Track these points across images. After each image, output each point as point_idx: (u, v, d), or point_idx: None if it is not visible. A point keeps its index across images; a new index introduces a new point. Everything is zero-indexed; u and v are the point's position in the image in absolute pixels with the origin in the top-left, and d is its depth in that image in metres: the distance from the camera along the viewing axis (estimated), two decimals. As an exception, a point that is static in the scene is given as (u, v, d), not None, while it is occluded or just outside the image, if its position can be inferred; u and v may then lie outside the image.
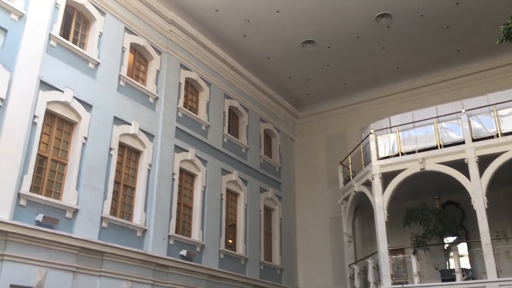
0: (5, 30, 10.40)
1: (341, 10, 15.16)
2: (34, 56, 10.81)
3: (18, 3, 10.76)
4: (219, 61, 17.16)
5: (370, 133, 15.72)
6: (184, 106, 15.35)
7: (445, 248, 15.98)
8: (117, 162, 12.60)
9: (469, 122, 14.24)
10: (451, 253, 14.58)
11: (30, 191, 10.16)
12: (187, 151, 14.95)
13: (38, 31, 11.04)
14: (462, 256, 14.61)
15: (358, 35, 16.47)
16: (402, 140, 15.20)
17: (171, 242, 13.53)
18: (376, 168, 15.02)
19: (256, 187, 18.07)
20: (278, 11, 15.23)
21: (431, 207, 15.46)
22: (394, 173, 14.76)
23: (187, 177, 15.11)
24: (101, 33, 12.87)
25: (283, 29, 16.08)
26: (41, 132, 10.78)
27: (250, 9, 15.16)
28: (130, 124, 13.08)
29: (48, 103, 11.02)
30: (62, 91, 11.37)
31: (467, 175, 13.60)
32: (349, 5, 14.93)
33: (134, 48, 14.16)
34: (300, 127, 21.93)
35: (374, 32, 16.28)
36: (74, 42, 12.33)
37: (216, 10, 15.29)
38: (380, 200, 14.65)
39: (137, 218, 12.74)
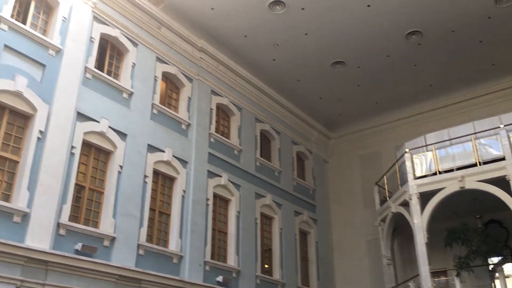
0: (44, 65, 10.81)
1: (370, 30, 15.11)
2: (71, 88, 11.17)
3: (55, 39, 11.18)
4: (249, 85, 17.30)
5: (405, 152, 15.41)
6: (216, 132, 15.47)
7: (490, 269, 15.29)
8: (152, 189, 12.75)
9: (509, 137, 13.76)
10: (497, 274, 13.97)
11: (69, 220, 10.36)
12: (220, 176, 15.00)
13: (74, 65, 11.43)
14: (508, 277, 13.97)
15: (388, 54, 16.33)
16: (439, 158, 14.82)
17: (207, 268, 13.47)
18: (413, 187, 14.65)
19: (290, 211, 17.90)
20: (306, 34, 15.31)
21: (473, 227, 14.92)
22: (432, 193, 14.35)
23: (221, 202, 15.13)
24: (134, 64, 13.21)
25: (311, 51, 16.12)
26: (79, 162, 11.05)
27: (278, 33, 15.29)
28: (163, 151, 13.25)
29: (85, 133, 11.31)
30: (98, 122, 11.67)
31: (509, 192, 13.09)
32: (378, 24, 14.87)
33: (166, 76, 14.45)
34: (333, 148, 21.72)
35: (404, 50, 16.11)
36: (109, 73, 12.69)
37: (245, 36, 15.49)
38: (419, 221, 14.23)
39: (173, 244, 12.77)
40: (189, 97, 14.82)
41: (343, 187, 20.63)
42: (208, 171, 14.58)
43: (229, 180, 15.28)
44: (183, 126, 14.28)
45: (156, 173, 13.05)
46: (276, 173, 17.79)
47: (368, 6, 14.10)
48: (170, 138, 13.62)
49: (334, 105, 19.48)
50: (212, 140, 15.11)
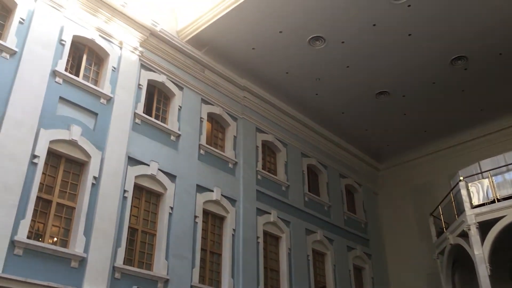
0: (96, 114, 11.31)
1: (413, 58, 14.92)
2: (122, 134, 11.58)
3: (106, 88, 11.72)
4: (293, 121, 17.35)
5: (460, 180, 14.81)
6: (263, 169, 15.51)
7: None
8: (202, 229, 12.82)
9: None
10: None
11: (124, 263, 10.53)
12: (269, 213, 14.91)
13: (124, 111, 11.89)
14: None
15: (433, 81, 16.02)
16: (496, 185, 14.13)
17: (261, 308, 13.25)
18: (471, 217, 13.97)
19: (343, 246, 17.45)
20: (347, 66, 15.31)
21: (541, 257, 13.98)
22: (493, 221, 13.62)
23: (271, 239, 14.97)
24: (180, 107, 13.59)
25: (354, 83, 16.06)
26: (131, 205, 11.31)
27: (320, 68, 15.37)
28: (212, 191, 13.37)
29: (136, 177, 11.62)
30: (148, 165, 11.98)
31: None
32: (421, 52, 14.68)
33: (211, 117, 14.75)
34: (383, 179, 21.22)
35: (450, 76, 15.76)
36: (157, 117, 13.11)
37: (287, 73, 15.67)
38: (480, 252, 13.49)
39: (225, 285, 12.68)
40: (234, 136, 15.01)
41: (396, 220, 19.98)
42: (257, 208, 14.54)
43: (279, 217, 15.16)
44: (230, 165, 14.41)
45: (206, 213, 13.14)
46: (325, 207, 17.50)
47: (410, 35, 14.00)
48: (218, 177, 13.75)
49: (381, 136, 19.16)
50: (259, 177, 15.14)
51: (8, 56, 9.99)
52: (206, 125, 14.28)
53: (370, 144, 19.75)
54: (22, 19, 10.50)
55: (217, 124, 15.02)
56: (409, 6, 12.91)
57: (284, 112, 16.99)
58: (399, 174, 20.62)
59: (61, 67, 10.88)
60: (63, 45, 11.16)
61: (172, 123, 13.27)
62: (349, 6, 12.92)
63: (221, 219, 13.61)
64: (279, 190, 15.76)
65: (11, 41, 10.14)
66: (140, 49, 12.88)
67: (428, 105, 17.22)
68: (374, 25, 13.56)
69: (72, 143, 10.52)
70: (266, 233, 14.68)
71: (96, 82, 11.88)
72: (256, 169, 15.12)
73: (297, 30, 13.81)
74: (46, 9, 10.98)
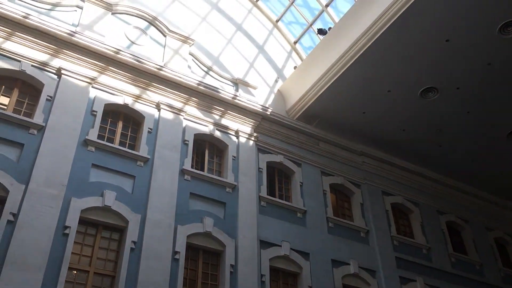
0: (224, 203, 11.79)
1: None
2: (251, 219, 11.85)
3: (230, 177, 12.27)
4: (420, 177, 16.40)
5: None
6: (397, 233, 14.63)
7: None
8: (345, 307, 12.21)
9: None
10: None
11: None
12: (414, 280, 13.79)
13: (250, 196, 12.23)
14: None
15: None
16: None
17: None
18: None
19: (506, 308, 15.39)
20: (468, 112, 14.37)
21: None
22: None
23: (422, 309, 13.72)
24: (302, 183, 13.66)
25: (481, 127, 14.91)
26: (270, 289, 11.25)
27: (438, 118, 14.61)
28: (348, 264, 12.84)
29: (271, 259, 11.63)
30: (280, 246, 11.97)
31: None
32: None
33: (334, 187, 14.53)
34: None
35: None
36: (280, 197, 13.27)
37: (403, 130, 15.15)
38: None
39: None
40: (361, 203, 14.54)
41: None
42: (400, 277, 13.55)
43: (426, 283, 13.93)
44: (362, 234, 13.85)
45: (345, 287, 12.59)
46: (476, 266, 15.77)
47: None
48: (352, 249, 13.24)
49: (522, 177, 17.25)
50: (395, 242, 14.27)
51: (142, 163, 11.01)
52: (330, 197, 14.07)
53: (510, 188, 17.80)
54: (150, 128, 11.64)
55: (341, 194, 14.74)
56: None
57: (408, 171, 16.20)
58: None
59: (187, 165, 11.68)
60: (187, 144, 12.05)
61: (296, 200, 13.31)
62: (459, 51, 12.36)
63: (363, 293, 12.89)
64: (420, 254, 14.64)
65: (143, 150, 11.22)
66: (255, 134, 13.44)
67: None
68: (489, 64, 12.75)
69: (207, 235, 10.95)
70: (415, 303, 13.51)
71: (220, 173, 12.50)
72: (390, 235, 14.31)
73: (406, 86, 13.50)
74: (169, 115, 12.09)
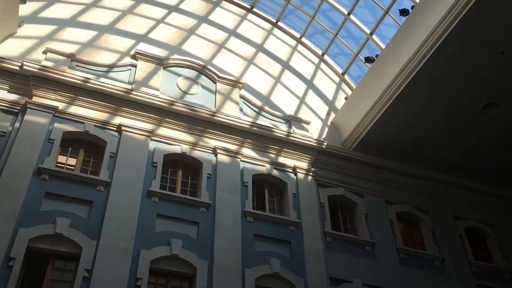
0: (289, 242, 11.65)
1: None
2: (318, 256, 11.59)
3: (292, 215, 12.14)
4: (493, 198, 15.44)
5: None
6: (475, 259, 13.78)
7: None
8: None
9: None
10: None
11: None
12: (503, 309, 12.87)
13: (314, 233, 12.02)
14: None
15: None
16: None
17: None
18: None
19: None
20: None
21: None
22: None
23: None
24: (366, 214, 13.30)
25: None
26: (346, 329, 10.83)
27: (503, 135, 13.88)
28: (426, 296, 12.20)
29: (343, 297, 11.29)
30: (351, 281, 11.62)
31: None
32: None
33: (401, 216, 13.99)
34: None
35: None
36: (346, 231, 12.96)
37: (466, 149, 14.48)
38: None
39: None
40: (432, 230, 13.90)
41: None
42: (485, 306, 12.69)
43: (514, 311, 12.96)
44: (437, 263, 13.17)
45: (426, 322, 11.89)
46: None
47: None
48: (426, 280, 12.58)
49: None
50: (474, 269, 13.43)
51: (205, 209, 11.16)
52: (397, 226, 13.55)
53: None
54: (209, 174, 11.84)
55: (408, 222, 14.16)
56: None
57: (480, 192, 15.30)
58: None
59: (249, 206, 11.71)
60: (246, 186, 12.12)
61: (363, 233, 12.92)
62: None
63: (446, 326, 12.12)
64: (502, 279, 13.67)
65: (204, 196, 11.40)
66: (313, 169, 13.32)
67: None
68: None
69: (275, 276, 10.81)
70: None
71: (281, 212, 12.41)
72: (468, 261, 13.50)
73: (464, 103, 12.98)
74: (226, 159, 12.28)
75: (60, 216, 9.63)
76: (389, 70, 13.08)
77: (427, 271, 12.81)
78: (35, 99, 11.16)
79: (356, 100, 14.45)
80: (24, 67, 11.25)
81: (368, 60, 15.56)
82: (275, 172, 12.84)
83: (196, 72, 13.91)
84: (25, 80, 11.33)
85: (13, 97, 11.14)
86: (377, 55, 14.50)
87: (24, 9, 12.98)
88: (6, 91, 11.18)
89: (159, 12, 15.59)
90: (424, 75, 12.28)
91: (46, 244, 9.31)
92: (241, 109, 13.69)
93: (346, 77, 17.17)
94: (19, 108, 10.99)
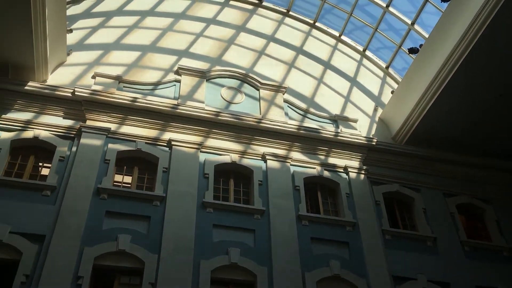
0: (347, 243, 11.50)
1: None
2: (378, 256, 11.37)
3: (347, 215, 11.98)
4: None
5: None
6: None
7: None
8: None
9: None
10: None
11: None
12: None
13: (372, 232, 11.81)
14: None
15: None
16: None
17: None
18: None
19: None
20: None
21: None
22: None
23: None
24: (424, 209, 12.95)
25: None
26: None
27: None
28: (496, 289, 11.68)
29: (405, 294, 11.01)
30: (416, 279, 11.33)
31: None
32: None
33: (461, 208, 13.48)
34: None
35: None
36: (405, 227, 12.67)
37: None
38: None
39: None
40: (496, 221, 13.31)
41: None
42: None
43: None
44: (505, 253, 12.59)
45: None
46: None
47: None
48: (496, 272, 12.05)
49: None
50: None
51: (259, 216, 11.22)
52: (459, 218, 13.07)
53: None
54: (260, 181, 11.91)
55: (470, 214, 13.62)
56: None
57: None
58: None
59: (303, 210, 11.66)
60: (298, 190, 12.07)
61: (423, 228, 12.55)
62: None
63: (521, 319, 11.55)
64: None
65: (258, 203, 11.46)
66: (364, 167, 13.09)
67: None
68: None
69: (336, 278, 10.71)
70: None
71: (336, 213, 12.27)
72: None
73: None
74: (276, 165, 12.30)
75: (122, 233, 9.96)
76: (435, 58, 12.69)
77: (495, 263, 12.27)
78: (88, 122, 11.64)
79: (403, 93, 14.10)
80: (76, 93, 11.76)
81: (412, 51, 15.15)
82: (326, 174, 12.73)
83: (238, 81, 14.05)
84: (78, 105, 11.84)
85: (68, 122, 11.66)
86: (421, 45, 14.09)
87: (71, 38, 13.59)
88: (61, 118, 11.72)
89: (198, 26, 15.88)
90: (473, 59, 11.78)
91: (111, 261, 9.66)
92: (286, 113, 13.69)
93: (391, 70, 16.81)
94: (74, 132, 11.48)
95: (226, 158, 12.10)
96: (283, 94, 14.15)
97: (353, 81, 16.22)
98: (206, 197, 11.11)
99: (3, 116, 11.24)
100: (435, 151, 13.95)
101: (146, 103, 12.16)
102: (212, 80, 13.79)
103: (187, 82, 13.33)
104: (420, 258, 11.79)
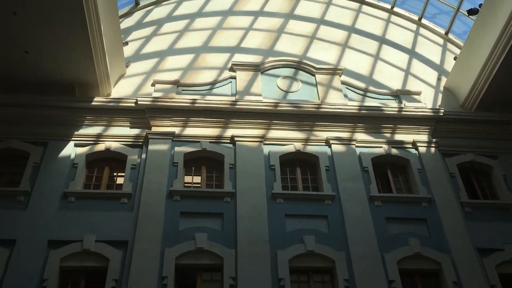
0: (425, 219, 11.12)
1: None
2: (459, 230, 10.91)
3: (422, 192, 11.57)
4: None
5: None
6: None
7: None
8: None
9: None
10: None
11: None
12: None
13: (451, 206, 11.35)
14: None
15: None
16: None
17: None
18: None
19: None
20: None
21: None
22: None
23: None
24: (504, 176, 12.31)
25: None
26: (507, 301, 10.05)
27: None
28: None
29: (497, 267, 10.48)
30: (503, 249, 10.75)
31: None
32: None
33: None
34: None
35: None
36: (485, 197, 12.13)
37: None
38: None
39: None
40: None
41: None
42: None
43: None
44: None
45: None
46: None
47: None
48: None
49: None
50: None
51: (330, 201, 11.12)
52: None
53: None
54: (326, 166, 11.77)
55: None
56: None
57: None
58: None
59: (374, 191, 11.42)
60: (367, 171, 11.83)
61: (505, 196, 11.87)
62: None
63: None
64: None
65: (327, 188, 11.35)
66: (434, 140, 12.59)
67: None
68: None
69: (418, 256, 10.43)
70: None
71: (409, 190, 11.89)
72: None
73: None
74: (341, 148, 12.15)
75: (198, 231, 10.25)
76: (498, 16, 11.92)
77: None
78: (154, 129, 12.05)
79: (467, 57, 13.37)
80: (138, 102, 12.21)
81: (472, 12, 14.33)
82: (394, 151, 12.37)
83: (293, 69, 13.95)
84: (142, 114, 12.28)
85: (135, 131, 12.13)
86: (480, 4, 13.29)
87: (128, 50, 14.10)
88: (128, 127, 12.22)
89: (246, 20, 15.93)
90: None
91: (191, 260, 9.97)
92: (345, 95, 13.42)
93: (451, 36, 16.01)
94: (142, 140, 11.94)
95: (290, 148, 12.08)
96: (340, 76, 13.88)
97: (412, 53, 15.60)
98: (275, 188, 11.17)
99: (76, 133, 11.90)
100: (509, 114, 13.12)
101: (205, 103, 12.40)
102: (267, 72, 13.79)
103: (242, 77, 13.44)
104: (506, 227, 11.18)
